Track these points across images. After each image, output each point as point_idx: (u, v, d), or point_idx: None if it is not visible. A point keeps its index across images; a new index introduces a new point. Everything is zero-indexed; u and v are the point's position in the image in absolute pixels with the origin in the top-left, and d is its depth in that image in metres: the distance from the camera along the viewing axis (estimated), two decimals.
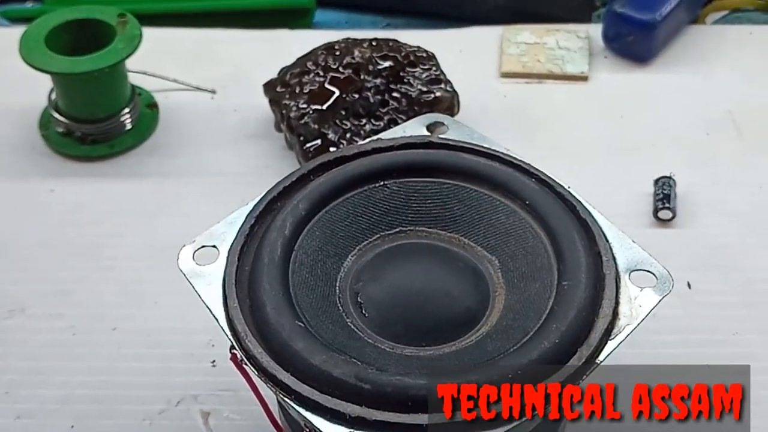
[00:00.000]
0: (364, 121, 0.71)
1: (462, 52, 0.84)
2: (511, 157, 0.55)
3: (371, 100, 0.72)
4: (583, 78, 0.82)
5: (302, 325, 0.46)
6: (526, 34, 0.85)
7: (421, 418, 0.43)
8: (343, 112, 0.71)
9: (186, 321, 0.63)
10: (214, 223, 0.51)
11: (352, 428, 0.43)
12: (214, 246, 0.51)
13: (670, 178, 0.71)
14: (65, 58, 0.71)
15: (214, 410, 0.58)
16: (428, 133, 0.57)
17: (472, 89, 0.77)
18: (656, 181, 0.71)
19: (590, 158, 0.76)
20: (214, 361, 0.61)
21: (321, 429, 0.43)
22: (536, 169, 0.55)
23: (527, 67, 0.83)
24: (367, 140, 0.56)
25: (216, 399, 0.59)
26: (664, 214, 0.69)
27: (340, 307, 0.50)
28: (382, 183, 0.54)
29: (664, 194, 0.70)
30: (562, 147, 0.77)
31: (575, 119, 0.79)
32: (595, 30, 0.85)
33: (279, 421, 0.52)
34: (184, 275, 0.49)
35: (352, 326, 0.49)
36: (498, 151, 0.55)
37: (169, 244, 0.68)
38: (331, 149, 0.69)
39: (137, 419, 0.58)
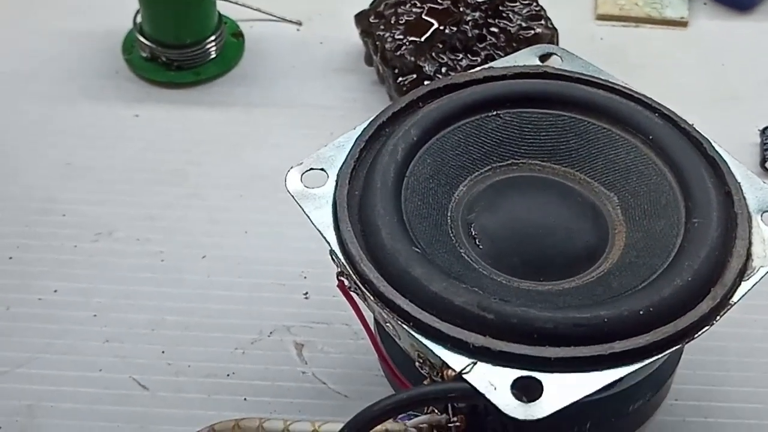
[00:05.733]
0: (460, 56, 0.69)
1: None
2: (631, 90, 0.53)
3: (469, 34, 0.69)
4: (682, 23, 0.79)
5: (419, 251, 0.44)
6: None
7: (548, 351, 0.41)
8: (440, 46, 0.68)
9: (277, 252, 0.61)
10: (302, 155, 0.49)
11: (474, 358, 0.41)
12: (322, 169, 0.48)
13: None
14: None
15: (308, 342, 0.56)
16: (541, 63, 0.54)
17: (567, 30, 0.74)
18: (763, 131, 0.68)
19: (690, 107, 0.70)
20: (306, 293, 0.59)
21: (442, 358, 0.41)
22: (659, 104, 0.52)
23: (624, 10, 0.79)
24: (479, 68, 0.54)
25: (309, 331, 0.57)
26: None
27: (453, 238, 0.48)
28: (495, 113, 0.52)
29: None
30: (660, 94, 0.72)
31: (673, 66, 0.76)
32: None
33: (385, 354, 0.50)
34: (293, 197, 0.47)
35: (466, 257, 0.47)
36: (617, 84, 0.53)
37: (256, 173, 0.67)
38: (426, 84, 0.66)
39: (229, 347, 0.56)
